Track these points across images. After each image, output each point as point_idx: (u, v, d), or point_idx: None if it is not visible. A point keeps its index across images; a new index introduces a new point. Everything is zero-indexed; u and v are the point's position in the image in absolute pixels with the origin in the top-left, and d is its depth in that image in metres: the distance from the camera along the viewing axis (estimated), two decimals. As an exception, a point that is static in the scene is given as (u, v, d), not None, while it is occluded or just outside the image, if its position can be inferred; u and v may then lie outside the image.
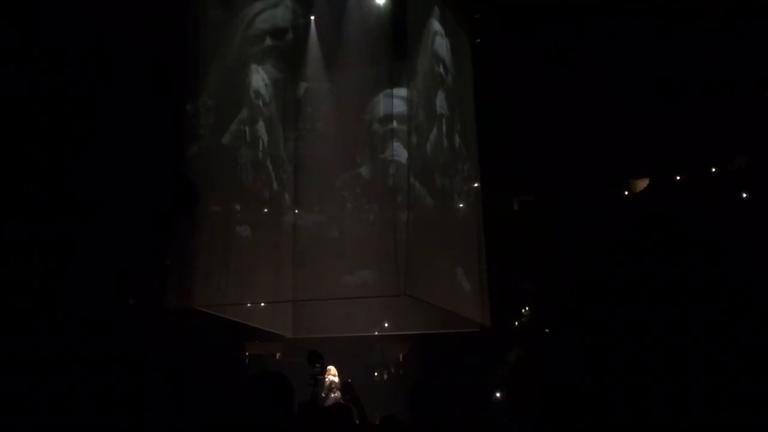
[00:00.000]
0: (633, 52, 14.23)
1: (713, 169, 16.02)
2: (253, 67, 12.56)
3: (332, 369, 10.36)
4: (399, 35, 11.72)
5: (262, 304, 12.82)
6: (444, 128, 13.17)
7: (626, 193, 16.98)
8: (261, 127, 12.59)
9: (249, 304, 12.59)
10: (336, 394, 9.78)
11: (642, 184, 16.66)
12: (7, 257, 0.95)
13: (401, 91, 12.11)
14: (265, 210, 12.67)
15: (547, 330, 13.93)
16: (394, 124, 12.11)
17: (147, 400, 0.95)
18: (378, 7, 12.49)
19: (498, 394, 14.78)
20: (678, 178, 16.07)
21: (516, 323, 16.16)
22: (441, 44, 13.14)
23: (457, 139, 13.61)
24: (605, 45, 14.14)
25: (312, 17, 13.06)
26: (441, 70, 13.20)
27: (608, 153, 15.09)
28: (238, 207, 12.30)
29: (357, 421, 4.28)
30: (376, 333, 14.22)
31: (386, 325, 13.98)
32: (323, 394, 9.91)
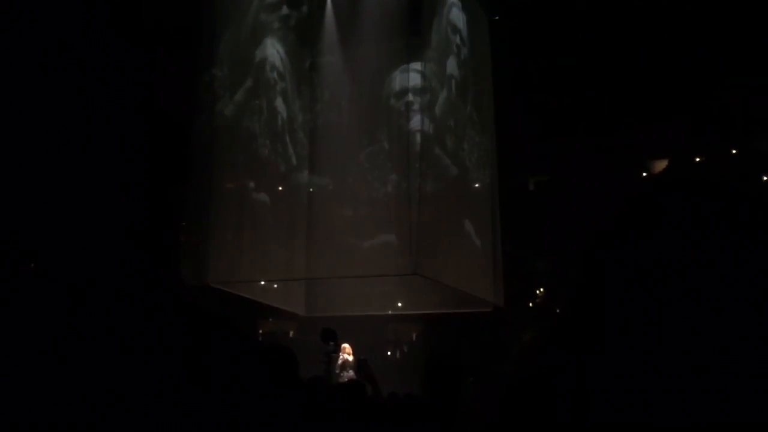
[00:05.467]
0: (654, 30, 14.00)
1: (734, 151, 15.78)
2: (268, 39, 12.49)
3: (347, 347, 10.39)
4: (415, 11, 11.60)
5: (276, 282, 12.87)
6: (461, 107, 13.05)
7: (644, 174, 16.78)
8: (276, 100, 12.55)
9: (263, 282, 12.64)
10: (349, 373, 9.80)
11: (661, 164, 16.45)
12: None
13: (416, 66, 12.00)
14: (280, 187, 12.66)
15: (558, 311, 13.88)
16: (409, 98, 12.01)
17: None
18: (394, -18, 12.33)
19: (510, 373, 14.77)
20: (698, 159, 15.84)
21: (530, 304, 16.10)
22: (456, 17, 12.97)
23: (473, 118, 13.49)
24: (627, 22, 13.92)
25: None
26: (456, 43, 13.03)
27: (627, 132, 14.90)
28: (252, 183, 12.30)
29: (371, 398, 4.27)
30: (390, 312, 14.23)
31: (400, 304, 13.99)
32: (337, 372, 9.94)
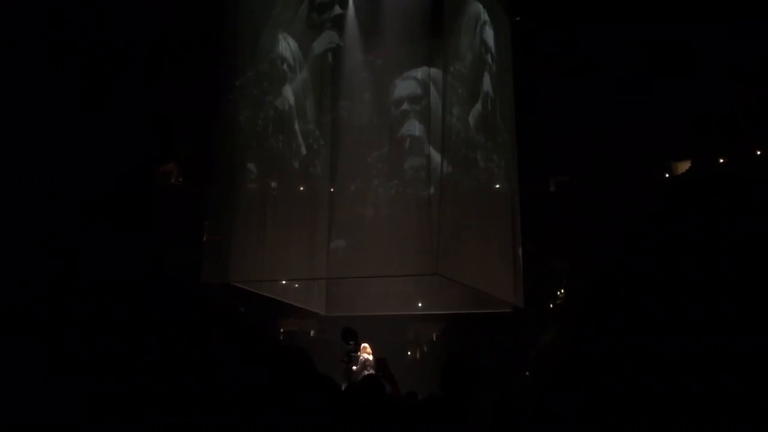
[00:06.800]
0: (676, 28, 13.89)
1: (758, 152, 15.58)
2: (290, 39, 12.58)
3: (367, 347, 10.45)
4: (437, 13, 11.62)
5: (297, 282, 12.97)
6: (481, 106, 13.05)
7: (667, 175, 16.66)
8: (298, 100, 12.63)
9: (284, 281, 12.74)
10: (370, 372, 9.86)
11: (684, 165, 16.31)
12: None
13: (437, 69, 12.03)
14: (301, 188, 12.75)
15: (575, 311, 13.83)
16: (428, 101, 12.02)
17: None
18: (416, -16, 12.36)
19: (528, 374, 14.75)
20: (722, 160, 15.68)
21: (551, 305, 16.06)
22: (479, 21, 12.99)
23: (494, 117, 13.48)
24: (648, 18, 13.82)
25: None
26: (479, 47, 13.06)
27: (650, 133, 14.80)
28: (274, 182, 12.42)
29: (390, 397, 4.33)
30: (410, 312, 14.27)
31: (420, 304, 14.02)
32: (357, 371, 10.00)
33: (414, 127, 12.41)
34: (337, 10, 12.86)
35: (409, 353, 16.34)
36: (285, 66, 12.53)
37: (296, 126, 12.57)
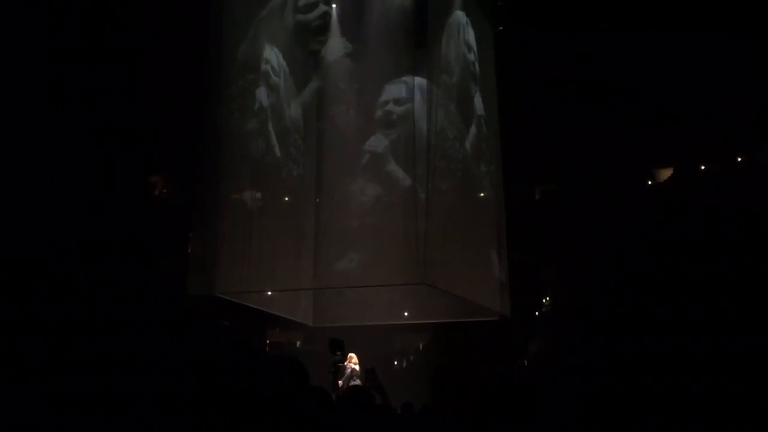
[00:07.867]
0: (658, 37, 14.05)
1: (739, 159, 15.77)
2: (276, 48, 12.56)
3: (354, 357, 10.40)
4: (421, 23, 11.69)
5: (284, 292, 12.91)
6: (466, 114, 13.11)
7: (649, 182, 16.81)
8: (283, 111, 12.60)
9: (270, 293, 12.68)
10: (357, 382, 9.81)
11: (666, 173, 16.47)
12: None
13: (421, 78, 12.08)
14: (287, 198, 12.72)
15: (565, 319, 13.87)
16: (411, 110, 12.06)
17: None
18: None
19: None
20: (703, 167, 15.85)
21: (536, 312, 16.11)
22: (463, 32, 13.07)
23: (479, 126, 13.54)
24: (630, 30, 13.97)
25: (333, 4, 13.04)
26: (463, 57, 13.13)
27: (633, 142, 14.93)
28: (259, 193, 12.37)
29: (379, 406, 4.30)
30: (397, 322, 14.25)
31: (406, 313, 14.01)
32: (344, 382, 9.95)
33: (399, 137, 12.45)
34: (323, 8, 12.87)
35: (396, 363, 16.30)
36: (270, 77, 12.51)
37: (281, 137, 12.54)
